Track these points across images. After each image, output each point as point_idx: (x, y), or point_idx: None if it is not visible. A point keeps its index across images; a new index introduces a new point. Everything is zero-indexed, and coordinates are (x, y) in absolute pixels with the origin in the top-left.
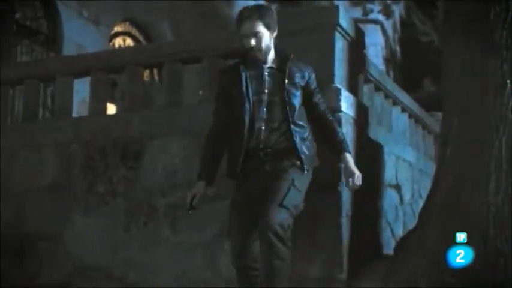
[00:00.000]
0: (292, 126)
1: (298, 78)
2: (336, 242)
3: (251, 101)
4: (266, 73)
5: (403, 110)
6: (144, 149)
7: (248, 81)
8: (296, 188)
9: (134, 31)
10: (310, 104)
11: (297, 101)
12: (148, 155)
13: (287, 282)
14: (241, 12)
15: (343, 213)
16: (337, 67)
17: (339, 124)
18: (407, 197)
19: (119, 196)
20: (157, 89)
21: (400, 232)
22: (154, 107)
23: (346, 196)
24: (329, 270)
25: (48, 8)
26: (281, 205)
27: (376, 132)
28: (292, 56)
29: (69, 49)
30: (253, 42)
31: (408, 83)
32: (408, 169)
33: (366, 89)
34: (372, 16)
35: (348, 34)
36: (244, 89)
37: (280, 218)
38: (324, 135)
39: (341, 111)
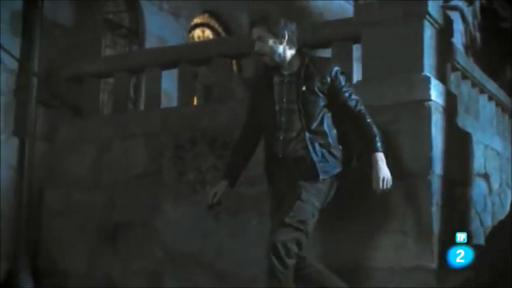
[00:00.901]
0: (307, 134)
1: (317, 83)
2: (427, 231)
3: (275, 110)
4: (286, 80)
5: (490, 98)
6: (232, 138)
7: (272, 89)
8: (303, 201)
9: (213, 23)
10: (338, 104)
11: (315, 107)
12: None
13: None
14: (252, 20)
15: (434, 202)
16: (426, 56)
17: (429, 113)
18: (495, 186)
19: (208, 185)
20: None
21: (488, 222)
22: (241, 99)
23: (436, 185)
24: (419, 259)
25: (130, 2)
26: (284, 223)
27: (464, 121)
28: (307, 60)
29: (150, 42)
30: (256, 46)
31: (488, 70)
32: (496, 158)
33: (453, 77)
34: (452, 3)
35: (437, 22)
36: (268, 97)
37: (284, 237)
38: (356, 133)
39: (430, 100)
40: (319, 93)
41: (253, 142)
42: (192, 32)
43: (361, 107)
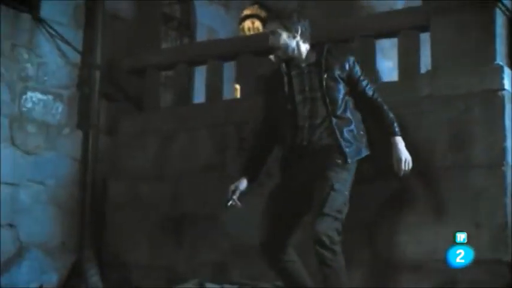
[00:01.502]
0: (334, 120)
1: (337, 71)
2: (500, 222)
3: (295, 101)
4: (306, 71)
5: None
6: None
7: (291, 81)
8: (336, 191)
9: (263, 14)
10: (357, 92)
11: (338, 94)
12: None
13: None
14: (266, 16)
15: (508, 193)
16: (498, 44)
17: (502, 102)
18: None
19: (273, 177)
20: None
21: None
22: None
23: (510, 176)
24: (493, 251)
25: None
26: (323, 214)
27: None
28: (326, 48)
29: (201, 33)
30: (270, 40)
31: None
32: None
33: None
34: None
35: (508, 10)
36: (286, 90)
37: (325, 227)
38: (375, 121)
39: (503, 89)
40: (340, 80)
41: (272, 138)
42: (242, 24)
43: (377, 95)
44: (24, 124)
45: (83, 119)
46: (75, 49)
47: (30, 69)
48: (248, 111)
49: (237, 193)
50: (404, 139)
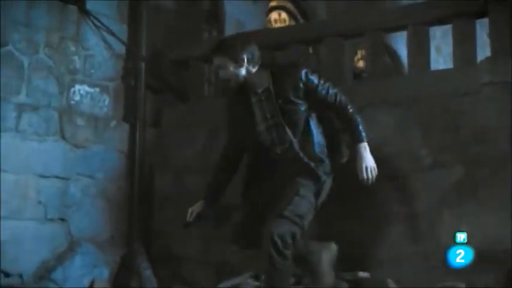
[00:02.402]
0: (295, 145)
1: (291, 92)
2: None
3: (259, 130)
4: (263, 97)
5: None
6: None
7: (252, 109)
8: (301, 196)
9: (289, 5)
10: (318, 101)
11: (296, 116)
12: None
13: None
14: (211, 49)
15: None
16: None
17: None
18: None
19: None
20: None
21: None
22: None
23: None
24: None
25: None
26: (282, 216)
27: None
28: (270, 72)
29: (230, 25)
30: (219, 74)
31: None
32: None
33: None
34: None
35: None
36: (246, 118)
37: (281, 229)
38: (342, 126)
39: None
40: (297, 100)
41: (236, 162)
42: (269, 15)
43: (340, 99)
44: (73, 117)
45: (129, 111)
46: (120, 41)
47: (78, 62)
48: None
49: (194, 215)
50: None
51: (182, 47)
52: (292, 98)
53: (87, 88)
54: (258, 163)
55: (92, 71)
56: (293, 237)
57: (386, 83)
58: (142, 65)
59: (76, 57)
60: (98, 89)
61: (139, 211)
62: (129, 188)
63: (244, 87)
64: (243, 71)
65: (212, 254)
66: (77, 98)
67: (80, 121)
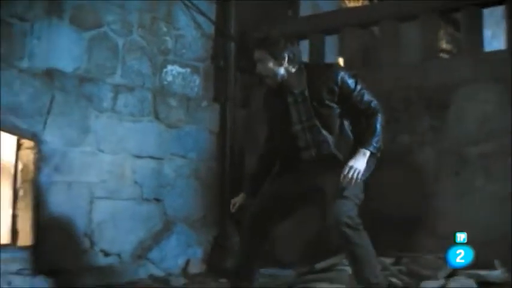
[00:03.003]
0: (333, 143)
1: (325, 95)
2: None
3: (294, 131)
4: (300, 99)
5: None
6: (449, 97)
7: (288, 109)
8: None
9: None
10: (350, 105)
11: (331, 119)
12: (454, 103)
13: (375, 261)
14: (254, 42)
15: None
16: None
17: None
18: None
19: (426, 145)
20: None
21: None
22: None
23: None
24: None
25: None
26: (344, 197)
27: None
28: (306, 73)
29: (305, 7)
30: (257, 68)
31: None
32: None
33: None
34: None
35: None
36: (282, 118)
37: (345, 209)
38: (362, 130)
39: None
40: (331, 104)
41: (275, 156)
42: None
43: (373, 107)
44: (166, 98)
45: (219, 92)
46: (210, 20)
47: (169, 42)
48: (395, 79)
49: (237, 206)
50: None
51: (268, 26)
52: (327, 102)
53: (178, 68)
54: (287, 162)
55: (183, 51)
56: (356, 216)
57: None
58: (232, 44)
59: (168, 38)
60: (188, 70)
61: (231, 191)
62: (220, 168)
63: (281, 86)
64: (281, 70)
65: (306, 233)
66: (169, 78)
67: (172, 101)
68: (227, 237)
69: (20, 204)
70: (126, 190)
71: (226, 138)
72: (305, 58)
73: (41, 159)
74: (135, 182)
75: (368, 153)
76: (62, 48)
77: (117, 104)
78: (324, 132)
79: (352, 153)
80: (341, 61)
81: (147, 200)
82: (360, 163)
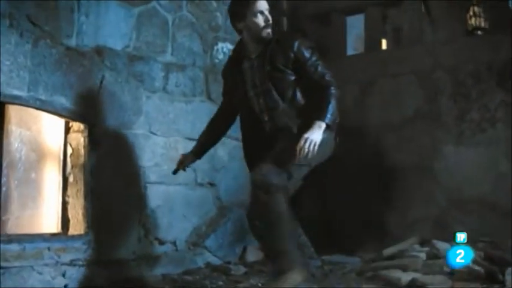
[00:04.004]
0: (284, 111)
1: (280, 61)
2: None
3: (248, 96)
4: (255, 64)
5: None
6: None
7: (242, 74)
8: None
9: None
10: (305, 75)
11: (284, 84)
12: None
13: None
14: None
15: None
16: None
17: None
18: None
19: (498, 122)
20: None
21: None
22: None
23: None
24: None
25: None
26: (273, 161)
27: None
28: (275, 39)
29: None
30: (268, 18)
31: None
32: None
33: None
34: None
35: None
36: (238, 84)
37: (266, 171)
38: (316, 105)
39: None
40: (285, 70)
41: (227, 123)
42: None
43: (327, 80)
44: (218, 76)
45: None
46: None
47: (220, 18)
48: (461, 52)
49: (182, 166)
50: None
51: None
52: (280, 66)
53: (229, 46)
54: (251, 135)
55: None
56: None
57: None
58: (284, 20)
59: (218, 14)
60: None
61: None
62: None
63: (240, 51)
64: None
65: (367, 219)
66: (221, 56)
67: None
68: None
69: (70, 191)
70: (180, 174)
71: None
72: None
73: (91, 142)
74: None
75: (323, 125)
76: (110, 25)
77: (168, 84)
78: (276, 97)
79: (304, 123)
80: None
81: (201, 184)
82: (315, 135)
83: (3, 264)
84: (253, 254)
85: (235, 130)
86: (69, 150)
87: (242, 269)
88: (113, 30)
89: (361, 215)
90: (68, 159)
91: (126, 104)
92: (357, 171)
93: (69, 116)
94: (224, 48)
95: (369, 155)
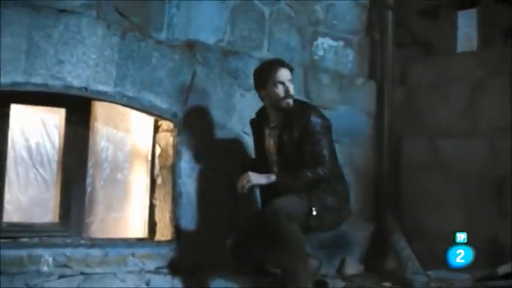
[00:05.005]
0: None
1: (296, 132)
2: None
3: (266, 161)
4: (272, 133)
5: None
6: None
7: (264, 141)
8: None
9: None
10: (305, 148)
11: (295, 157)
12: None
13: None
14: (278, 61)
15: None
16: None
17: None
18: None
19: None
20: None
21: None
22: None
23: None
24: None
25: None
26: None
27: None
28: (294, 113)
29: None
30: (289, 89)
31: None
32: None
33: None
34: None
35: None
36: (260, 147)
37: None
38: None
39: None
40: (298, 142)
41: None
42: None
43: (320, 162)
44: (318, 74)
45: (375, 67)
46: None
47: (319, 12)
48: None
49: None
50: None
51: None
52: (297, 137)
53: (330, 41)
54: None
55: (335, 22)
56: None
57: None
58: (389, 14)
59: (318, 7)
60: (341, 43)
61: (389, 181)
62: (377, 156)
63: (262, 117)
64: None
65: (476, 230)
66: (320, 52)
67: (324, 79)
68: (389, 235)
69: (158, 194)
70: None
71: (383, 120)
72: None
73: (181, 142)
74: None
75: (273, 178)
76: (202, 17)
77: None
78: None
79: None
80: None
81: None
82: (257, 178)
83: (85, 270)
84: (353, 267)
85: (333, 133)
86: (158, 150)
87: (340, 284)
88: (205, 23)
89: (472, 226)
90: (156, 160)
91: (218, 102)
92: (467, 179)
93: (158, 113)
94: (324, 44)
95: (480, 161)
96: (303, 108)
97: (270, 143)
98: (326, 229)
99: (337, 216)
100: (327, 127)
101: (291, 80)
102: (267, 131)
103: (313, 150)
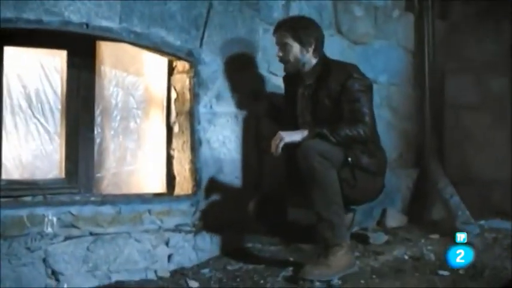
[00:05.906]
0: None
1: (332, 91)
2: None
3: (297, 120)
4: (306, 93)
5: None
6: None
7: (295, 100)
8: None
9: None
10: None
11: (329, 115)
12: None
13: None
14: (277, 22)
15: None
16: None
17: None
18: None
19: None
20: None
21: None
22: None
23: None
24: None
25: None
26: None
27: None
28: (321, 68)
29: None
30: (279, 52)
31: None
32: None
33: None
34: None
35: None
36: (292, 107)
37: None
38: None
39: None
40: (333, 100)
41: None
42: None
43: (360, 120)
44: (349, 6)
45: None
46: None
47: None
48: None
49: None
50: None
51: None
52: (335, 94)
53: None
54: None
55: None
56: None
57: None
58: None
59: None
60: None
61: (432, 123)
62: (418, 95)
63: (297, 75)
64: (306, 58)
65: None
66: None
67: (357, 10)
68: (431, 181)
69: (176, 143)
70: None
71: (424, 56)
72: None
73: (199, 84)
74: None
75: (306, 133)
76: None
77: (289, 14)
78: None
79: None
80: None
81: None
82: (289, 135)
83: (95, 230)
84: (394, 218)
85: (369, 70)
86: (173, 95)
87: (382, 237)
88: None
89: None
90: (172, 106)
91: (239, 39)
92: None
93: (171, 52)
94: None
95: None
96: (341, 67)
97: (303, 102)
98: (356, 197)
99: (373, 183)
100: (368, 86)
101: (281, 44)
102: (300, 90)
103: (353, 107)
